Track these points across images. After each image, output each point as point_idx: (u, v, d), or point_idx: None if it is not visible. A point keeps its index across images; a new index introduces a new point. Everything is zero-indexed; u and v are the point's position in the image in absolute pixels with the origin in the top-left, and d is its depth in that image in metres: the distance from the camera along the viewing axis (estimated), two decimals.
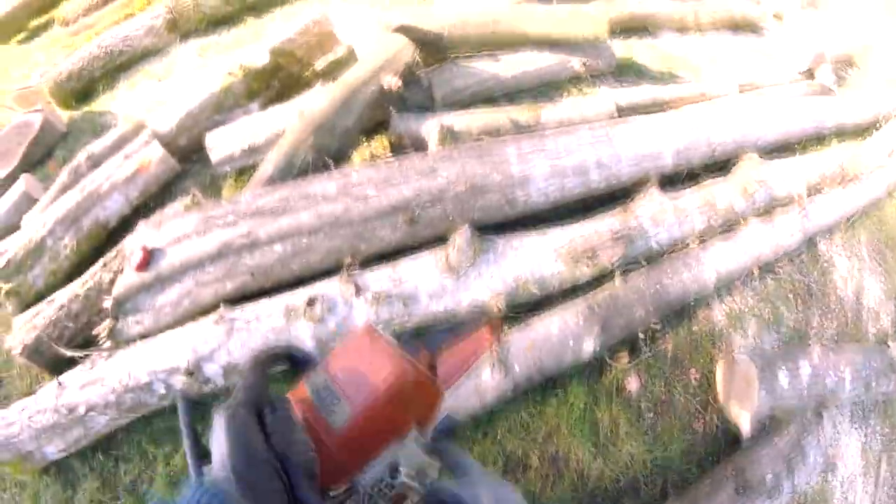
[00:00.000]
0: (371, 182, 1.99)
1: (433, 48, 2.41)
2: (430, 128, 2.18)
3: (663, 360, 2.19)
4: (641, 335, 2.09)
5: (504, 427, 2.01)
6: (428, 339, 1.03)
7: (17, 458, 2.26)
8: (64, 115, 3.05)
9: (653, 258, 2.22)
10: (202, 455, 0.75)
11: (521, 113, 2.34)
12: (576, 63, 2.58)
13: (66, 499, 2.30)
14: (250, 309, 1.96)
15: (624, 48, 2.95)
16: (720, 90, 2.95)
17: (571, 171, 2.08)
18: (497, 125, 2.23)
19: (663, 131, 2.33)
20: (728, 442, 2.20)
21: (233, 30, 3.00)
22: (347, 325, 1.94)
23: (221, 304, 1.98)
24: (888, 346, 2.74)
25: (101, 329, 2.09)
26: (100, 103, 3.01)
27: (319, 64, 2.57)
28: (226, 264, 2.02)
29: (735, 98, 2.92)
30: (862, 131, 3.74)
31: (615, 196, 2.29)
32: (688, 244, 2.25)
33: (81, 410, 2.04)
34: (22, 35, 4.17)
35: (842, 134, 3.57)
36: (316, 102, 2.24)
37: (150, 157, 2.38)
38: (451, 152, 2.00)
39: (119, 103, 2.99)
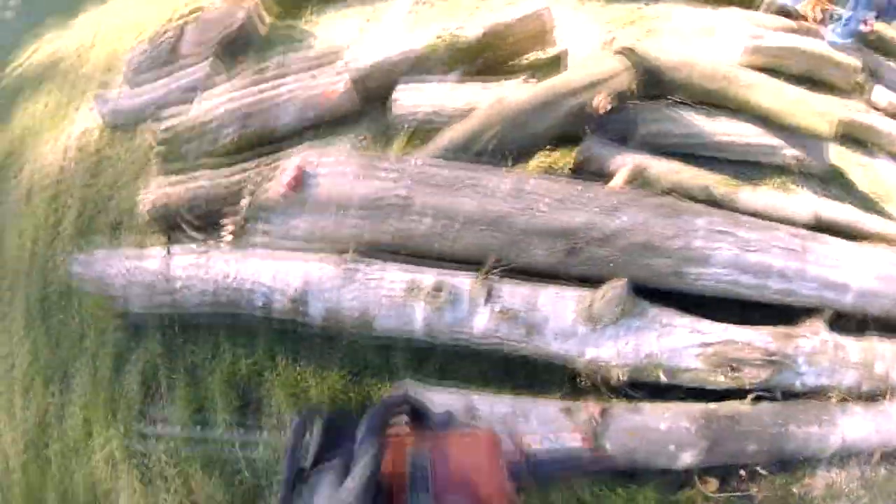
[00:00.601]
0: (546, 197, 1.91)
1: (650, 83, 2.28)
2: (622, 162, 2.08)
3: None
4: (742, 471, 1.95)
5: (564, 497, 1.94)
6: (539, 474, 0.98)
7: (102, 293, 2.37)
8: (267, 21, 3.15)
9: (789, 396, 2.05)
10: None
11: (718, 184, 2.20)
12: (789, 153, 2.38)
13: (127, 348, 2.44)
14: (377, 268, 1.97)
15: (834, 155, 2.71)
16: None
17: (753, 270, 1.93)
18: (690, 186, 2.10)
19: (859, 265, 2.12)
20: None
21: None
22: (463, 324, 1.88)
23: (350, 251, 2.00)
24: None
25: (230, 223, 2.16)
26: (305, 22, 3.08)
27: (526, 58, 2.49)
28: (372, 216, 2.02)
29: None
30: None
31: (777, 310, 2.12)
32: (829, 397, 2.07)
33: (177, 285, 2.13)
34: None
35: None
36: (516, 94, 2.18)
37: (336, 87, 2.41)
38: (640, 199, 1.89)
39: (322, 29, 3.05)
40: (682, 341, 1.84)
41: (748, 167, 2.43)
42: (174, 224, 2.31)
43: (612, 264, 1.88)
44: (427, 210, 1.96)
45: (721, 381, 1.87)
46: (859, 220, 2.42)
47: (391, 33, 2.63)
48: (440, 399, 1.86)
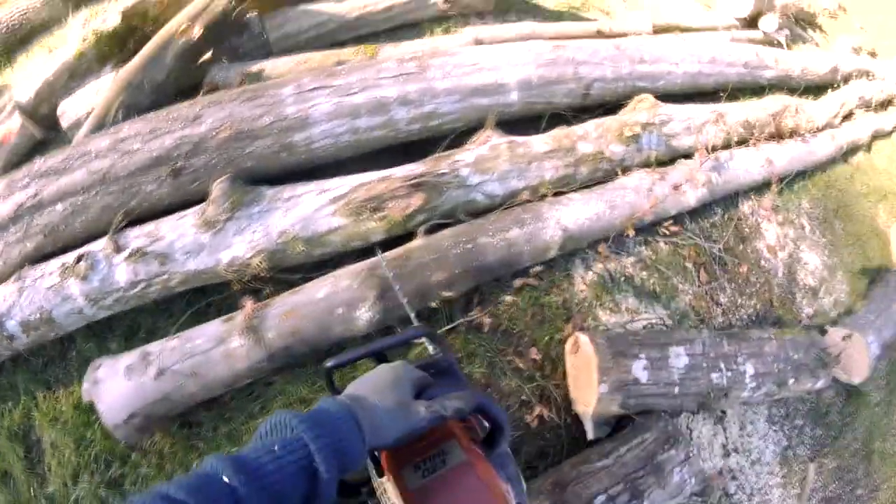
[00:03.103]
0: (139, 135, 1.45)
1: None
2: (233, 76, 1.50)
3: (488, 336, 1.39)
4: (435, 304, 1.31)
5: (281, 401, 1.36)
6: None
7: None
8: None
9: (482, 212, 1.41)
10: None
11: (353, 55, 1.60)
12: (440, 1, 1.76)
13: None
14: (40, 267, 1.53)
15: None
16: (626, 28, 1.99)
17: (366, 110, 1.36)
18: (323, 69, 1.51)
19: (505, 60, 1.49)
20: (570, 443, 1.37)
21: None
22: (110, 282, 1.40)
23: (26, 264, 1.54)
24: (824, 332, 1.71)
25: None
26: (2, 78, 2.54)
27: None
28: (22, 225, 1.57)
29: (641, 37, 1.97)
30: (814, 90, 2.55)
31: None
32: (528, 199, 1.42)
33: None
34: None
35: (787, 89, 2.42)
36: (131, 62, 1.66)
37: (10, 128, 1.90)
38: (221, 96, 1.44)
39: (17, 76, 2.51)
40: (311, 206, 1.29)
41: (406, 30, 1.81)
42: None
43: (219, 168, 1.32)
44: (55, 197, 1.52)
45: (373, 226, 1.27)
46: (532, 29, 1.82)
47: (54, 56, 2.10)
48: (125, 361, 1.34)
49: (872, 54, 3.37)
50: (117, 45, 2.02)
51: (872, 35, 3.65)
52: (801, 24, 3.06)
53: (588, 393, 1.29)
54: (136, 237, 1.42)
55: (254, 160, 1.38)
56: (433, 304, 1.29)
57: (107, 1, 2.43)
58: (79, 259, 1.47)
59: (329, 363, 0.55)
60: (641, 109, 1.74)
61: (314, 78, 1.39)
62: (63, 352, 1.61)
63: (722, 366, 1.39)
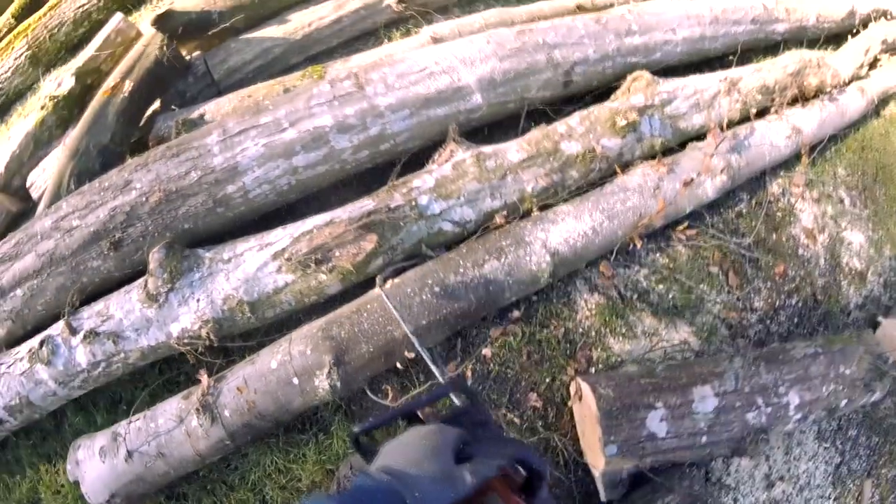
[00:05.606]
0: (76, 211, 1.21)
1: (205, 30, 1.41)
2: (168, 128, 1.22)
3: (474, 387, 1.06)
4: (400, 365, 1.00)
5: (258, 473, 1.11)
6: None
7: None
8: None
9: (455, 243, 1.07)
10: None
11: (300, 78, 1.28)
12: (392, 2, 1.39)
13: None
14: (12, 353, 1.32)
15: None
16: None
17: (301, 146, 1.04)
18: (247, 108, 1.20)
19: (459, 58, 1.12)
20: (584, 500, 1.04)
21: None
22: (73, 365, 1.17)
23: (3, 348, 1.35)
24: (877, 324, 1.27)
25: None
26: None
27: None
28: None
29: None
30: (833, 38, 1.98)
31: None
32: (508, 218, 1.06)
33: None
34: None
35: (804, 42, 1.87)
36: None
37: None
38: (146, 158, 1.15)
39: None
40: (253, 265, 1.01)
41: (364, 41, 1.46)
42: None
43: (155, 234, 1.09)
44: (13, 283, 1.27)
45: (324, 279, 0.95)
46: (501, 15, 1.41)
47: (18, 126, 1.88)
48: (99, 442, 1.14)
49: None
50: (76, 107, 1.79)
51: None
52: None
53: (595, 453, 0.96)
54: (89, 317, 1.20)
55: (189, 221, 1.11)
56: (398, 366, 0.98)
57: (75, 59, 2.19)
58: (41, 344, 1.28)
59: (356, 429, 0.48)
60: (637, 90, 1.32)
61: (239, 120, 1.08)
62: (57, 425, 1.42)
63: (760, 401, 1.00)
